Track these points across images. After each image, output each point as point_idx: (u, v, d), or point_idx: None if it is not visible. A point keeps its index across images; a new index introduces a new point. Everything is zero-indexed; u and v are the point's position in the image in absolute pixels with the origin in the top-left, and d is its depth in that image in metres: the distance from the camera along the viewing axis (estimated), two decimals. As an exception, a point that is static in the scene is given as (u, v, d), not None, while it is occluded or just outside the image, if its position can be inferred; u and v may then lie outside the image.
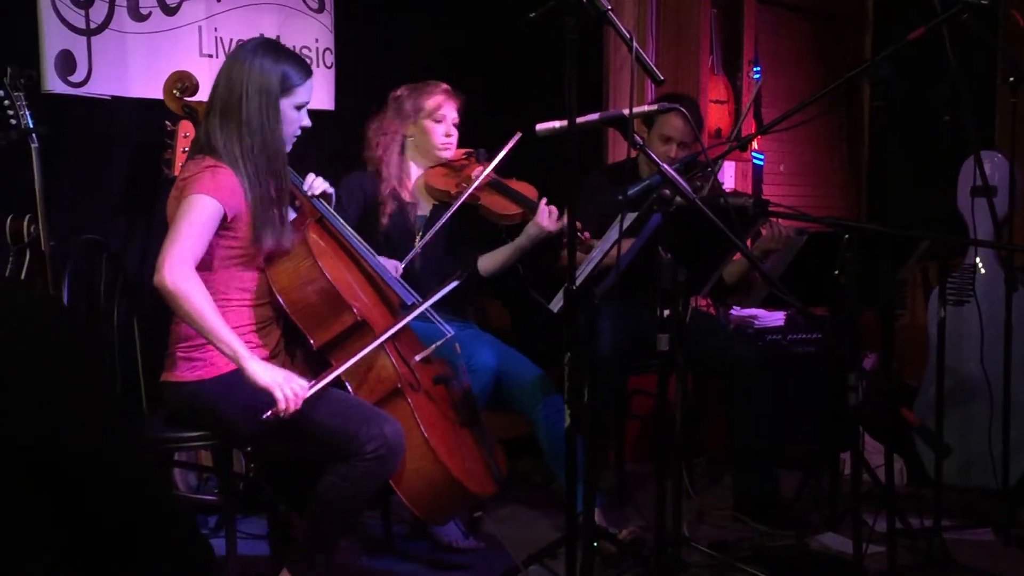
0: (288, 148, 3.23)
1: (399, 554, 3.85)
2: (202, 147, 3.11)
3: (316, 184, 3.41)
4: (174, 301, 2.94)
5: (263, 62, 3.11)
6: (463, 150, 4.12)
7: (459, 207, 3.88)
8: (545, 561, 3.60)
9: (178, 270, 2.92)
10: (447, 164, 4.11)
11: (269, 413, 2.94)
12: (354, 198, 4.04)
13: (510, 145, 3.90)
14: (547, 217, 3.87)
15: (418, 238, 4.00)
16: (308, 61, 4.45)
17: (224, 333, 2.96)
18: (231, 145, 3.07)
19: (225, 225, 3.05)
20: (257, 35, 4.28)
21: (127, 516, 1.57)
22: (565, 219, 3.62)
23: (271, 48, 3.19)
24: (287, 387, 2.95)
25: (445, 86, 4.09)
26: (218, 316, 2.97)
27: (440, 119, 4.05)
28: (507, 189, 4.01)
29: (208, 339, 2.99)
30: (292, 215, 3.38)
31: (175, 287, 2.91)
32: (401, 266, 3.78)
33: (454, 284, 3.55)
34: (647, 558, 3.56)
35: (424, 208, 4.09)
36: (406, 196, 4.07)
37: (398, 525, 3.94)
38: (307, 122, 3.24)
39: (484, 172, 3.93)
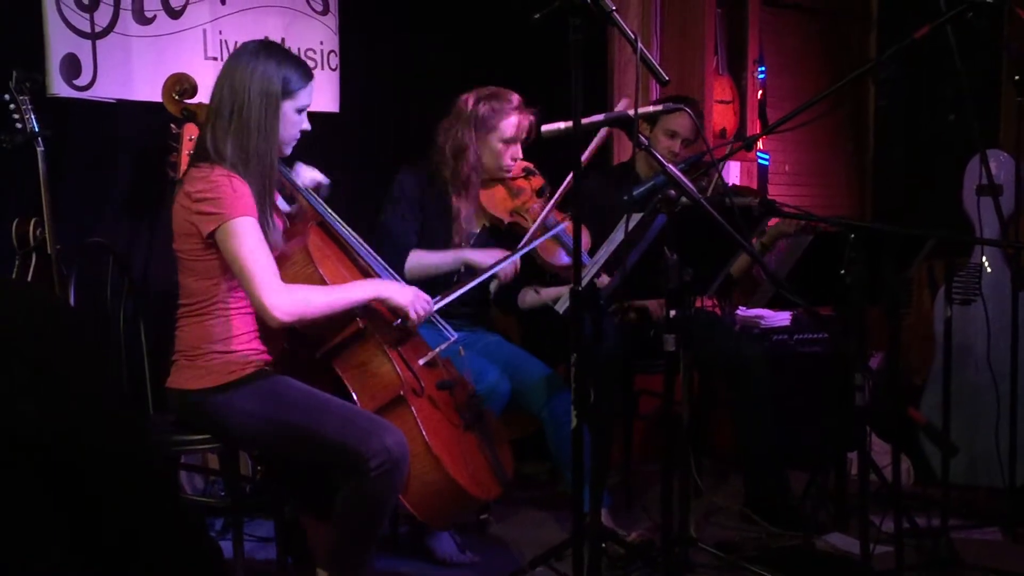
0: (288, 151, 3.22)
1: (404, 554, 3.85)
2: (207, 154, 3.08)
3: (305, 175, 3.41)
4: (302, 323, 3.09)
5: (265, 65, 3.09)
6: (521, 164, 4.02)
7: (515, 259, 3.78)
8: (552, 562, 3.59)
9: (280, 300, 2.99)
10: (505, 184, 4.03)
11: (399, 321, 3.25)
12: (414, 195, 3.95)
13: (566, 184, 3.81)
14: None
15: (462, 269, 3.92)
16: (312, 64, 4.47)
17: (352, 293, 3.16)
18: (237, 149, 3.06)
19: None
20: (262, 38, 4.28)
21: (135, 515, 1.57)
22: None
23: (272, 51, 3.17)
24: (418, 304, 3.26)
25: (518, 100, 3.92)
26: (335, 291, 3.14)
27: (512, 142, 3.93)
28: (562, 237, 3.87)
29: (346, 308, 3.15)
30: (286, 207, 3.39)
31: (293, 317, 3.03)
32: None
33: (467, 287, 3.56)
34: (654, 558, 3.56)
35: (474, 225, 4.04)
36: (463, 211, 3.96)
37: (403, 526, 3.93)
38: (307, 125, 3.22)
39: (554, 224, 3.81)
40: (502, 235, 4.02)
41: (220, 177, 3.02)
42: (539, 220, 3.86)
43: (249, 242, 2.99)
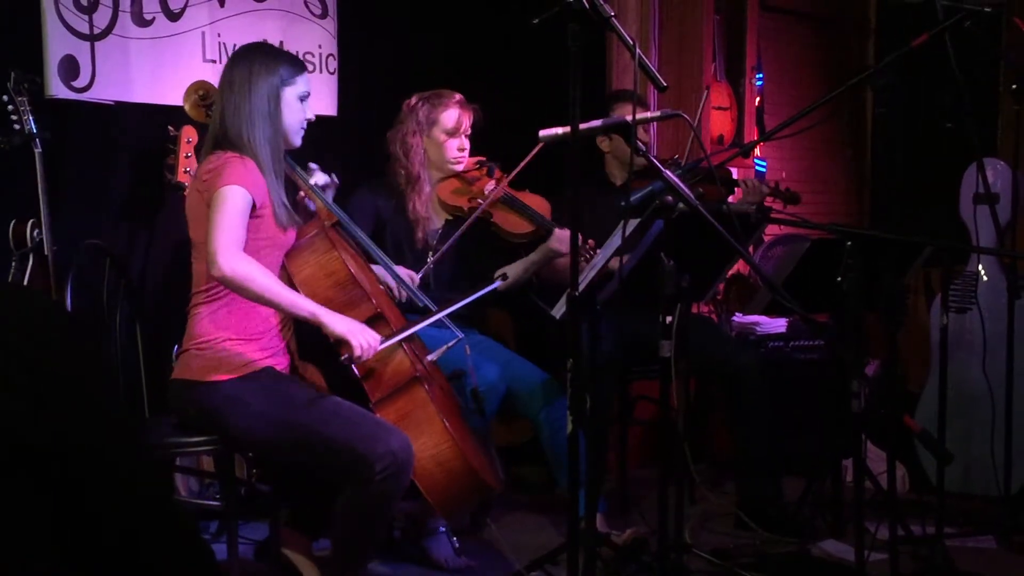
0: (298, 141, 3.30)
1: (401, 558, 3.85)
2: (218, 142, 3.17)
3: (319, 176, 3.47)
4: (239, 287, 3.03)
5: (262, 59, 3.23)
6: (474, 159, 4.11)
7: (472, 223, 3.89)
8: (547, 567, 3.60)
9: (232, 257, 3.00)
10: (459, 177, 4.10)
11: (345, 357, 3.11)
12: (366, 214, 4.02)
13: (525, 161, 3.88)
14: (563, 240, 3.85)
15: (431, 253, 4.00)
16: (311, 67, 4.48)
17: (296, 299, 3.10)
18: (248, 134, 3.15)
19: (253, 214, 3.10)
20: (261, 40, 4.29)
21: (130, 518, 1.57)
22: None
23: (265, 48, 3.38)
24: (362, 337, 3.10)
25: (459, 97, 4.06)
26: (284, 288, 3.10)
27: (453, 133, 4.02)
28: (520, 205, 4.01)
29: (283, 311, 3.13)
30: (311, 205, 3.47)
31: (234, 273, 2.99)
32: (418, 277, 3.80)
33: (489, 288, 3.61)
34: (649, 564, 3.56)
35: (437, 222, 4.09)
36: (420, 209, 4.04)
37: (398, 529, 3.93)
38: (311, 115, 3.31)
39: (499, 188, 3.94)
40: (469, 225, 4.02)
41: (232, 157, 3.11)
42: (491, 196, 3.94)
43: (229, 206, 3.04)
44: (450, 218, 4.08)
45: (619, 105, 4.35)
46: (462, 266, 4.07)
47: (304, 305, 3.10)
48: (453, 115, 4.01)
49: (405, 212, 4.04)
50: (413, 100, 4.07)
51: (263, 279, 3.03)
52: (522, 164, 3.89)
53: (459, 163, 4.06)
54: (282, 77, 3.21)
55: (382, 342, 3.17)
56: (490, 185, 4.02)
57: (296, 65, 3.30)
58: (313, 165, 3.48)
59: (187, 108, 3.69)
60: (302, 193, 3.45)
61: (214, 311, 3.13)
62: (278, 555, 3.39)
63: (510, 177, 3.95)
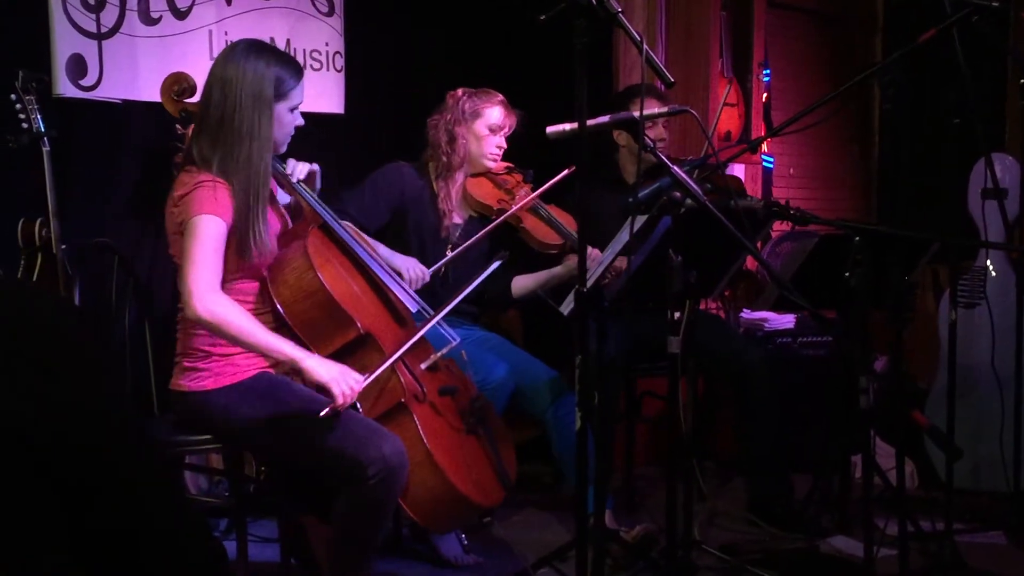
0: (283, 149, 3.20)
1: (407, 556, 3.85)
2: (194, 160, 3.06)
3: (298, 169, 3.30)
4: (213, 329, 2.96)
5: (256, 66, 3.04)
6: (505, 163, 4.11)
7: (500, 223, 3.87)
8: (555, 564, 3.60)
9: (206, 297, 2.92)
10: (490, 176, 4.09)
11: (327, 410, 2.96)
12: (392, 187, 4.00)
13: (561, 176, 3.88)
14: (593, 259, 3.70)
15: (450, 247, 3.99)
16: (317, 65, 4.48)
17: (273, 343, 2.98)
18: (225, 156, 3.02)
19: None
20: (267, 39, 4.29)
21: (137, 516, 1.57)
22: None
23: (262, 51, 3.11)
24: (343, 383, 2.97)
25: (503, 98, 4.07)
26: (261, 329, 2.98)
27: (496, 129, 4.02)
28: (550, 217, 4.00)
29: (257, 352, 3.03)
30: (285, 199, 3.35)
31: (210, 315, 2.91)
32: (428, 273, 3.75)
33: (491, 270, 3.57)
34: (658, 561, 3.56)
35: (460, 216, 4.08)
36: (449, 200, 4.03)
37: (406, 527, 3.94)
38: (300, 121, 3.19)
39: (532, 195, 3.93)
40: (499, 233, 4.01)
41: (204, 181, 2.99)
42: (525, 201, 3.94)
43: (202, 238, 2.94)
44: (475, 215, 4.07)
45: (637, 100, 4.30)
46: (478, 266, 4.04)
47: (283, 349, 2.98)
48: (498, 112, 4.02)
49: (433, 200, 4.02)
50: (459, 92, 4.06)
51: (238, 321, 2.94)
52: (555, 180, 3.89)
53: (494, 160, 4.06)
54: (276, 92, 3.05)
55: (365, 380, 3.05)
56: (524, 190, 4.03)
57: (294, 74, 3.11)
58: (290, 160, 3.30)
59: (164, 102, 3.69)
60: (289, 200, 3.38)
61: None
62: (289, 552, 3.40)
63: (543, 189, 3.94)
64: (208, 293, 2.92)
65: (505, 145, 4.06)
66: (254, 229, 3.04)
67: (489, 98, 4.04)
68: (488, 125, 4.01)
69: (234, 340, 2.98)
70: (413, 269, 3.70)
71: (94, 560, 1.55)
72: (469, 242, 3.89)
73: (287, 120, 3.13)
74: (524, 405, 3.92)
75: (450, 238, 4.03)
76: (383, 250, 3.73)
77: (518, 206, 3.94)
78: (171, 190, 3.10)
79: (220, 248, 2.98)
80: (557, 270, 4.03)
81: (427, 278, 3.72)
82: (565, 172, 3.87)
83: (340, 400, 2.96)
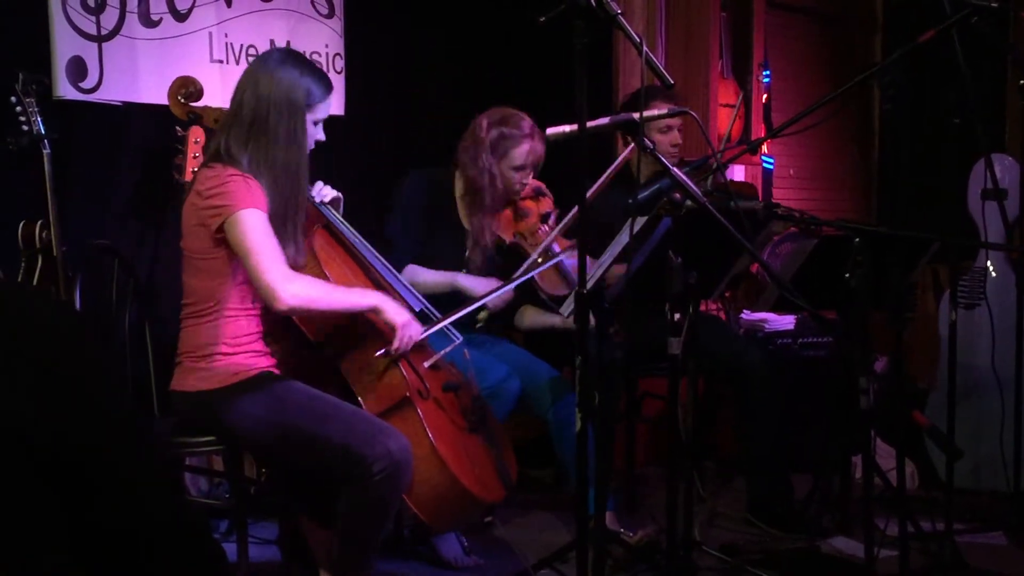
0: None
1: (408, 556, 3.85)
2: (220, 156, 3.07)
3: (325, 191, 3.37)
4: (305, 312, 3.10)
5: (290, 75, 3.09)
6: (534, 184, 4.06)
7: (522, 280, 3.77)
8: (556, 565, 3.60)
9: (285, 288, 2.98)
10: (513, 205, 4.08)
11: (382, 351, 3.16)
12: (416, 196, 4.00)
13: (571, 215, 3.74)
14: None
15: (464, 269, 3.98)
16: (318, 66, 4.48)
17: (357, 299, 3.15)
18: (257, 158, 3.05)
19: None
20: (267, 41, 4.30)
21: (137, 518, 1.57)
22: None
23: (296, 61, 3.17)
24: (408, 331, 3.17)
25: (529, 127, 3.94)
26: (340, 290, 3.15)
27: (522, 169, 3.97)
28: (563, 268, 3.90)
29: (351, 313, 3.16)
30: None
31: (298, 302, 3.01)
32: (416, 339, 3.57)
33: (478, 304, 3.59)
34: (658, 561, 3.56)
35: (488, 240, 4.04)
36: (482, 226, 4.00)
37: (407, 528, 3.94)
38: (321, 136, 3.22)
39: (548, 263, 3.80)
40: (505, 253, 4.03)
41: (234, 176, 3.02)
42: (540, 248, 3.86)
43: (256, 231, 2.99)
44: (498, 243, 4.06)
45: (651, 103, 4.27)
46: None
47: (366, 299, 3.15)
48: (525, 150, 3.94)
49: (453, 219, 4.02)
50: (484, 121, 3.96)
51: (320, 295, 3.07)
52: (568, 219, 3.73)
53: (519, 192, 4.04)
54: (306, 102, 3.10)
55: (424, 333, 3.25)
56: (543, 230, 4.00)
57: (324, 89, 3.16)
58: (318, 183, 3.37)
59: (171, 106, 3.70)
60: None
61: (204, 324, 3.10)
62: (291, 553, 3.40)
63: (566, 249, 3.83)
64: (285, 283, 2.98)
65: (531, 178, 4.02)
66: (289, 231, 3.10)
67: (516, 132, 3.93)
68: (513, 166, 3.95)
69: (325, 312, 3.13)
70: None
71: (94, 560, 1.55)
72: (494, 293, 3.73)
73: (310, 132, 3.16)
74: (526, 405, 3.92)
75: (469, 256, 4.01)
76: (462, 278, 3.89)
77: (535, 271, 3.78)
78: (192, 184, 3.13)
79: (272, 234, 3.02)
80: (557, 320, 3.95)
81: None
82: (571, 215, 3.73)
83: (398, 344, 3.15)
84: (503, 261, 3.98)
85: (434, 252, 3.98)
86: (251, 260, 2.98)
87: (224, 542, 3.77)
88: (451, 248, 4.01)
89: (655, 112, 3.35)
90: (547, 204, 4.11)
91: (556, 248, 3.88)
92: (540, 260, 3.83)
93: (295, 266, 3.15)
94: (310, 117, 3.13)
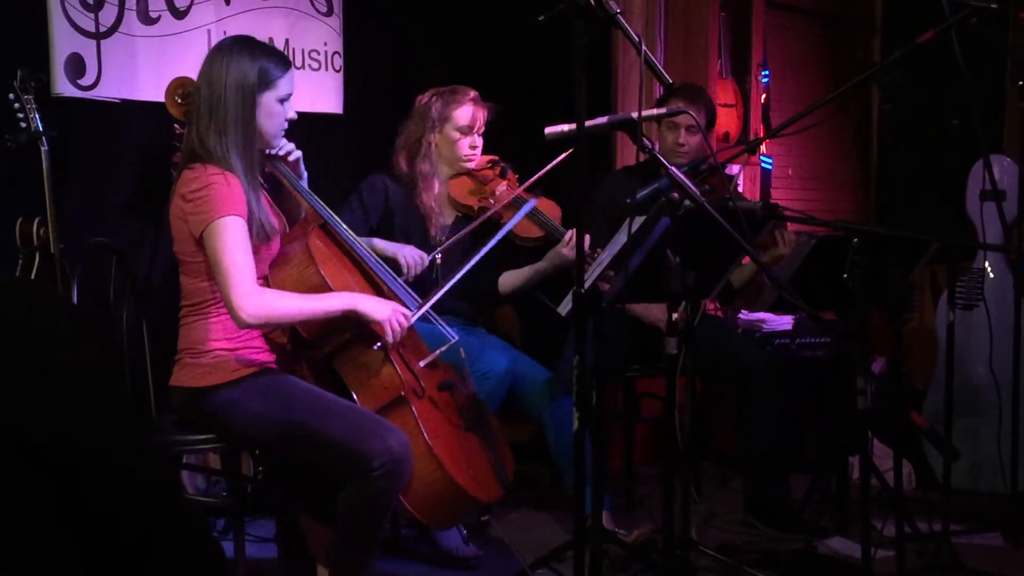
0: (277, 142, 3.22)
1: (407, 556, 3.85)
2: (196, 153, 3.08)
3: (284, 144, 3.29)
4: (268, 327, 3.09)
5: (239, 59, 3.09)
6: (486, 158, 4.10)
7: (480, 224, 3.86)
8: (553, 564, 3.60)
9: (249, 302, 2.97)
10: (470, 175, 4.08)
11: (378, 345, 3.13)
12: (375, 198, 4.02)
13: (544, 171, 3.81)
14: (571, 247, 3.80)
15: (438, 249, 3.98)
16: (316, 65, 4.48)
17: (325, 305, 3.09)
18: (222, 144, 3.06)
19: None
20: (266, 38, 4.28)
21: (137, 517, 1.57)
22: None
23: (246, 44, 3.16)
24: (394, 320, 3.13)
25: (474, 94, 4.02)
26: (307, 300, 3.08)
27: (467, 131, 4.00)
28: (533, 211, 3.96)
29: (322, 320, 3.12)
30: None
31: (261, 319, 3.00)
32: (427, 257, 3.80)
33: (461, 274, 3.57)
34: (655, 561, 3.56)
35: (447, 218, 4.07)
36: (430, 204, 4.03)
37: (406, 528, 3.94)
38: (292, 114, 3.21)
39: (506, 192, 3.92)
40: (478, 222, 3.99)
41: (214, 176, 3.02)
42: (503, 200, 3.92)
43: (230, 242, 2.98)
44: (460, 215, 4.07)
45: (672, 100, 4.26)
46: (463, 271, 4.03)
47: (336, 304, 3.10)
48: (467, 112, 3.99)
49: (415, 204, 4.03)
50: (427, 96, 4.04)
51: (286, 306, 3.04)
52: (540, 174, 3.81)
53: (470, 160, 4.05)
54: (260, 80, 3.09)
55: (413, 316, 3.22)
56: (502, 186, 4.01)
57: (279, 64, 3.15)
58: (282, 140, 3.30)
59: (168, 106, 3.69)
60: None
61: (202, 320, 3.11)
62: (289, 551, 3.40)
63: (526, 184, 3.90)
64: (248, 298, 2.97)
65: (480, 143, 4.04)
66: (261, 207, 3.10)
67: (457, 98, 4.00)
68: (458, 127, 3.99)
69: (292, 324, 3.12)
70: (411, 255, 3.78)
71: (94, 560, 1.55)
72: (450, 241, 3.88)
73: (277, 111, 3.15)
74: (521, 406, 3.92)
75: (438, 239, 4.02)
76: (379, 243, 3.82)
77: (494, 208, 3.90)
78: (175, 187, 3.12)
79: (248, 247, 3.02)
80: (540, 265, 4.02)
81: (426, 262, 3.79)
82: (550, 165, 3.80)
83: (391, 337, 3.12)
84: (480, 229, 3.94)
85: (406, 240, 3.97)
86: (220, 275, 2.98)
87: (222, 540, 3.77)
88: (420, 232, 4.02)
89: (653, 112, 3.35)
90: (499, 170, 4.10)
91: (520, 198, 3.93)
92: (510, 214, 3.87)
93: (275, 267, 3.16)
94: (273, 95, 3.12)
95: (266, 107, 3.12)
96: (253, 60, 3.10)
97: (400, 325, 3.14)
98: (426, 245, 3.99)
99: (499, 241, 3.72)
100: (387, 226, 4.01)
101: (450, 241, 3.90)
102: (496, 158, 4.11)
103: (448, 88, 4.04)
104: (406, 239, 3.98)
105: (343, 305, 3.10)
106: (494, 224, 3.94)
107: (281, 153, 3.30)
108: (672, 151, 4.25)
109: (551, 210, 4.02)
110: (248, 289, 2.98)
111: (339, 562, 3.11)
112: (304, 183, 3.36)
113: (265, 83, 3.11)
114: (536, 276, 4.04)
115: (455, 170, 4.07)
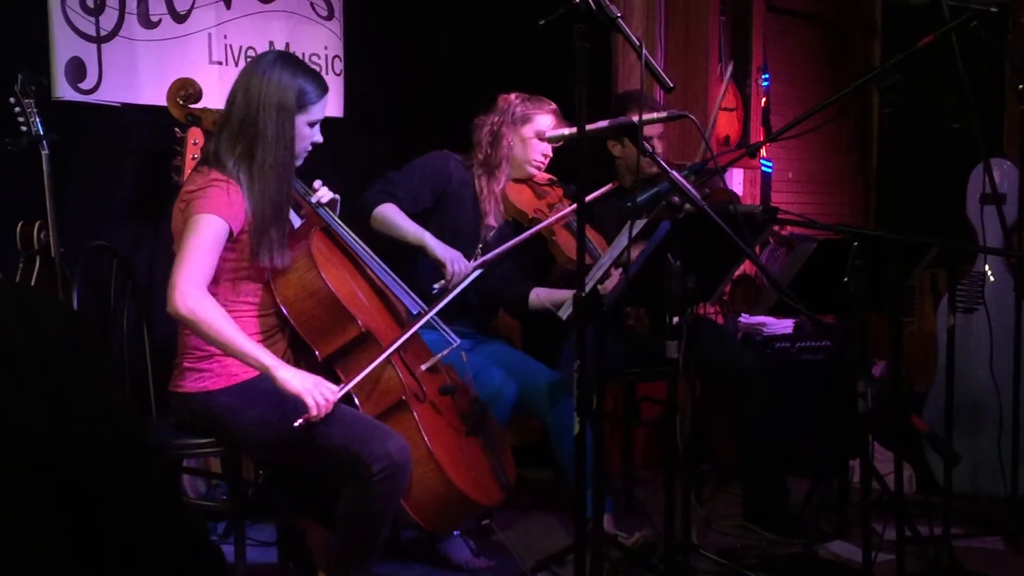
0: (299, 163, 3.21)
1: (407, 559, 3.85)
2: (209, 159, 3.09)
3: (323, 193, 3.34)
4: (192, 327, 2.97)
5: (281, 76, 3.07)
6: (549, 175, 4.09)
7: (533, 234, 3.82)
8: (554, 568, 3.60)
9: (190, 295, 2.92)
10: (531, 184, 4.08)
11: (301, 421, 2.96)
12: (439, 174, 4.00)
13: (602, 191, 3.82)
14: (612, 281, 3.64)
15: (480, 247, 3.97)
16: (318, 69, 4.47)
17: (248, 347, 2.97)
18: (243, 160, 3.05)
19: (231, 239, 3.04)
20: (266, 42, 4.30)
21: (136, 519, 1.57)
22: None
23: (289, 62, 3.15)
24: (317, 393, 2.97)
25: (555, 106, 4.02)
26: (238, 332, 2.97)
27: (542, 136, 3.98)
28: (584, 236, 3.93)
29: (234, 356, 3.01)
30: (297, 222, 3.36)
31: (190, 313, 2.92)
32: (471, 267, 3.74)
33: (468, 281, 3.56)
34: (656, 565, 3.56)
35: (495, 218, 4.05)
36: (488, 202, 4.02)
37: (406, 530, 3.94)
38: (319, 138, 3.20)
39: (569, 209, 3.86)
40: (527, 236, 4.00)
41: (216, 180, 3.02)
42: (558, 216, 3.88)
43: (203, 236, 2.96)
44: (510, 220, 4.06)
45: (632, 109, 4.28)
46: (497, 271, 4.01)
47: (258, 356, 2.97)
48: (548, 120, 3.99)
49: (474, 197, 4.01)
50: (512, 95, 4.03)
51: (217, 321, 2.94)
52: (596, 194, 3.78)
53: (538, 168, 4.04)
54: (298, 104, 3.08)
55: (339, 391, 3.05)
56: (558, 204, 4.01)
57: (318, 89, 3.13)
58: (317, 183, 3.34)
59: (170, 108, 3.70)
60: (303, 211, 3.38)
61: None
62: (289, 555, 3.40)
63: (575, 207, 3.88)
64: (192, 289, 2.93)
65: (551, 154, 4.03)
66: (271, 234, 3.06)
67: (542, 105, 4.01)
68: (536, 131, 3.98)
69: (211, 340, 2.98)
70: (457, 263, 3.74)
71: (94, 560, 1.55)
72: (499, 249, 3.84)
73: (305, 134, 3.15)
74: (526, 408, 3.92)
75: (483, 239, 4.01)
76: (431, 240, 3.79)
77: (553, 218, 3.87)
78: (181, 188, 3.13)
79: (216, 249, 2.99)
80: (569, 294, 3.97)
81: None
82: (607, 187, 3.83)
83: (315, 412, 2.96)
84: (524, 242, 3.92)
85: (453, 230, 3.96)
86: (178, 257, 2.97)
87: (222, 544, 3.76)
88: (471, 225, 4.01)
89: (654, 115, 3.35)
90: (561, 191, 4.10)
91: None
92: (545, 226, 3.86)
93: (277, 270, 3.14)
94: (304, 119, 3.12)
95: (297, 130, 3.11)
96: (294, 78, 3.09)
97: (325, 400, 2.97)
98: (473, 244, 3.97)
99: (540, 256, 3.72)
100: (439, 207, 3.99)
101: (494, 253, 3.85)
102: (555, 179, 4.11)
103: (535, 96, 4.05)
104: (453, 231, 3.96)
105: (264, 363, 2.97)
106: (542, 239, 3.93)
107: (324, 201, 3.31)
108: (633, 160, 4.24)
109: (599, 244, 3.98)
110: (197, 283, 2.94)
111: (339, 565, 3.11)
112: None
113: (301, 106, 3.10)
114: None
115: (519, 174, 4.05)
